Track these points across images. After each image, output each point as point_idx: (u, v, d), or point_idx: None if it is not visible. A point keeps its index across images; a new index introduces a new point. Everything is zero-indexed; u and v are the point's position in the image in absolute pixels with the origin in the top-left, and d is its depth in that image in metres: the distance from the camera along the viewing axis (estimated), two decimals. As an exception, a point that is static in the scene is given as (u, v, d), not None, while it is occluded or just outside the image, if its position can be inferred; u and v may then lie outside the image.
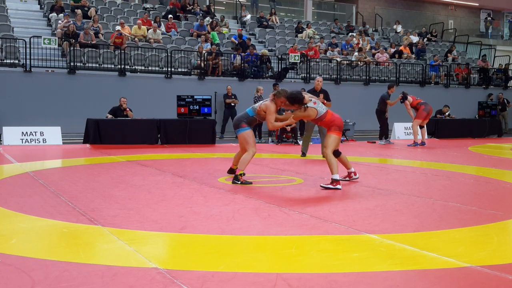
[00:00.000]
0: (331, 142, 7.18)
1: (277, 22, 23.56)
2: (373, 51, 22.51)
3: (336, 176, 7.04)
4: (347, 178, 7.73)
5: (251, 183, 7.36)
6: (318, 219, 5.20)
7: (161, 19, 19.39)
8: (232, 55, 18.50)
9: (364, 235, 4.60)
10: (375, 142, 15.66)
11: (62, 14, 17.76)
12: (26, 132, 13.41)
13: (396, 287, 3.38)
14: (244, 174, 7.47)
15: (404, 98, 14.58)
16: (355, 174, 7.80)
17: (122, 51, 16.36)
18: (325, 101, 10.75)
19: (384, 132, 15.30)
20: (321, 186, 7.13)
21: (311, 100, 7.19)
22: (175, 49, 17.66)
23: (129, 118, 13.73)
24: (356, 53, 21.21)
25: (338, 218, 5.25)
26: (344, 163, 7.69)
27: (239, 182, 7.31)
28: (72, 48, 15.72)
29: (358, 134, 18.09)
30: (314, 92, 10.90)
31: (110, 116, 13.59)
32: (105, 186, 7.16)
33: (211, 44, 18.32)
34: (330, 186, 7.02)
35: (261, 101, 7.65)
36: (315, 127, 10.97)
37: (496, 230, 4.95)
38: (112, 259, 3.88)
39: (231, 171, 7.99)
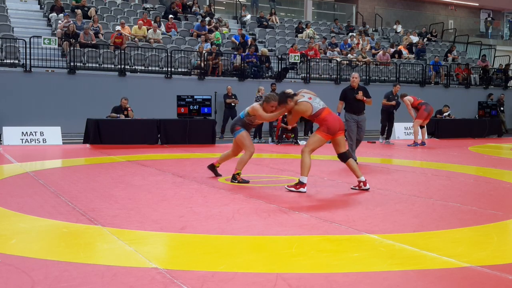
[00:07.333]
0: (313, 141, 6.68)
1: (277, 22, 23.55)
2: (373, 51, 22.52)
3: (304, 179, 6.61)
4: (356, 187, 6.98)
5: (248, 181, 7.46)
6: (318, 219, 5.19)
7: (161, 19, 19.38)
8: (232, 55, 18.50)
9: (364, 235, 4.60)
10: (375, 142, 15.67)
11: (62, 14, 17.75)
12: (26, 132, 13.41)
13: (396, 287, 3.38)
14: (240, 173, 7.53)
15: (395, 106, 14.85)
16: (364, 184, 6.91)
17: (122, 51, 16.35)
18: (365, 98, 9.88)
19: (382, 131, 15.42)
20: (285, 187, 6.80)
21: (304, 96, 6.77)
22: (175, 49, 17.65)
23: (129, 118, 13.74)
24: (349, 55, 21.17)
25: (338, 218, 5.25)
26: (353, 170, 6.93)
27: (236, 181, 7.43)
28: (72, 48, 15.72)
29: (358, 134, 18.07)
30: (351, 90, 9.97)
31: (120, 115, 13.62)
32: (105, 186, 7.16)
33: (211, 44, 18.32)
34: (293, 188, 6.64)
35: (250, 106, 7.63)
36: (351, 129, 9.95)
37: (496, 230, 4.95)
38: (112, 259, 3.88)
39: (212, 167, 8.05)
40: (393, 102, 14.69)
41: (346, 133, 10.11)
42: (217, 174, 8.08)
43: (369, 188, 6.94)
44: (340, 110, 9.99)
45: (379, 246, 4.28)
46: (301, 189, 6.63)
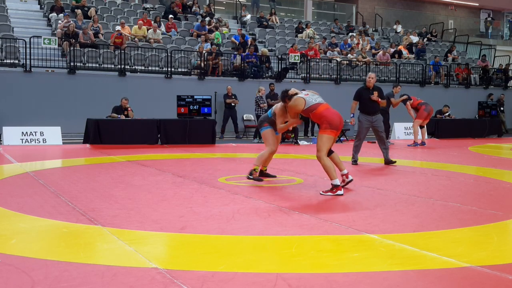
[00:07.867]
0: (322, 143, 6.54)
1: (277, 22, 23.56)
2: (373, 51, 22.51)
3: (336, 182, 6.53)
4: (342, 183, 6.98)
5: (261, 180, 7.57)
6: (318, 219, 5.19)
7: (161, 19, 19.39)
8: (232, 55, 18.51)
9: (364, 235, 4.60)
10: (375, 142, 15.63)
11: (62, 14, 17.76)
12: (26, 132, 13.41)
13: (396, 287, 3.37)
14: (257, 169, 7.62)
15: (408, 98, 14.52)
16: (346, 177, 7.03)
17: (122, 51, 16.35)
18: (379, 100, 9.70)
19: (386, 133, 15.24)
20: (320, 193, 6.61)
21: (301, 93, 6.83)
22: (175, 49, 17.65)
23: (129, 118, 13.74)
24: (349, 55, 21.17)
25: (338, 218, 5.24)
26: (337, 163, 6.94)
27: (251, 177, 7.55)
28: (72, 48, 15.72)
29: (358, 134, 18.05)
30: (366, 89, 9.75)
31: (120, 115, 13.64)
32: (105, 186, 7.16)
33: (211, 44, 18.32)
34: (330, 193, 6.52)
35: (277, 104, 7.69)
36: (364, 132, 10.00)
37: (496, 230, 4.94)
38: (112, 259, 3.88)
39: (262, 173, 7.98)
40: (405, 97, 14.14)
41: (356, 133, 10.20)
42: (271, 176, 8.01)
43: (352, 179, 7.13)
44: (354, 111, 9.93)
45: (379, 246, 4.28)
46: (338, 192, 6.51)
